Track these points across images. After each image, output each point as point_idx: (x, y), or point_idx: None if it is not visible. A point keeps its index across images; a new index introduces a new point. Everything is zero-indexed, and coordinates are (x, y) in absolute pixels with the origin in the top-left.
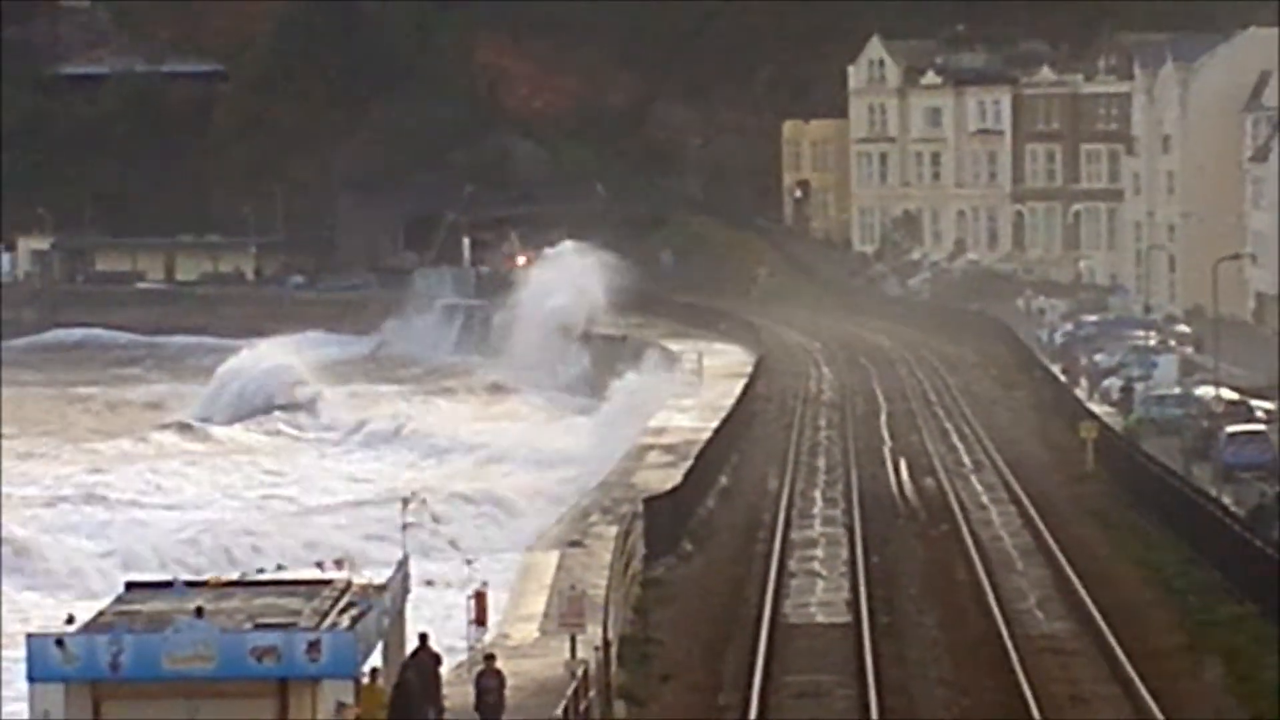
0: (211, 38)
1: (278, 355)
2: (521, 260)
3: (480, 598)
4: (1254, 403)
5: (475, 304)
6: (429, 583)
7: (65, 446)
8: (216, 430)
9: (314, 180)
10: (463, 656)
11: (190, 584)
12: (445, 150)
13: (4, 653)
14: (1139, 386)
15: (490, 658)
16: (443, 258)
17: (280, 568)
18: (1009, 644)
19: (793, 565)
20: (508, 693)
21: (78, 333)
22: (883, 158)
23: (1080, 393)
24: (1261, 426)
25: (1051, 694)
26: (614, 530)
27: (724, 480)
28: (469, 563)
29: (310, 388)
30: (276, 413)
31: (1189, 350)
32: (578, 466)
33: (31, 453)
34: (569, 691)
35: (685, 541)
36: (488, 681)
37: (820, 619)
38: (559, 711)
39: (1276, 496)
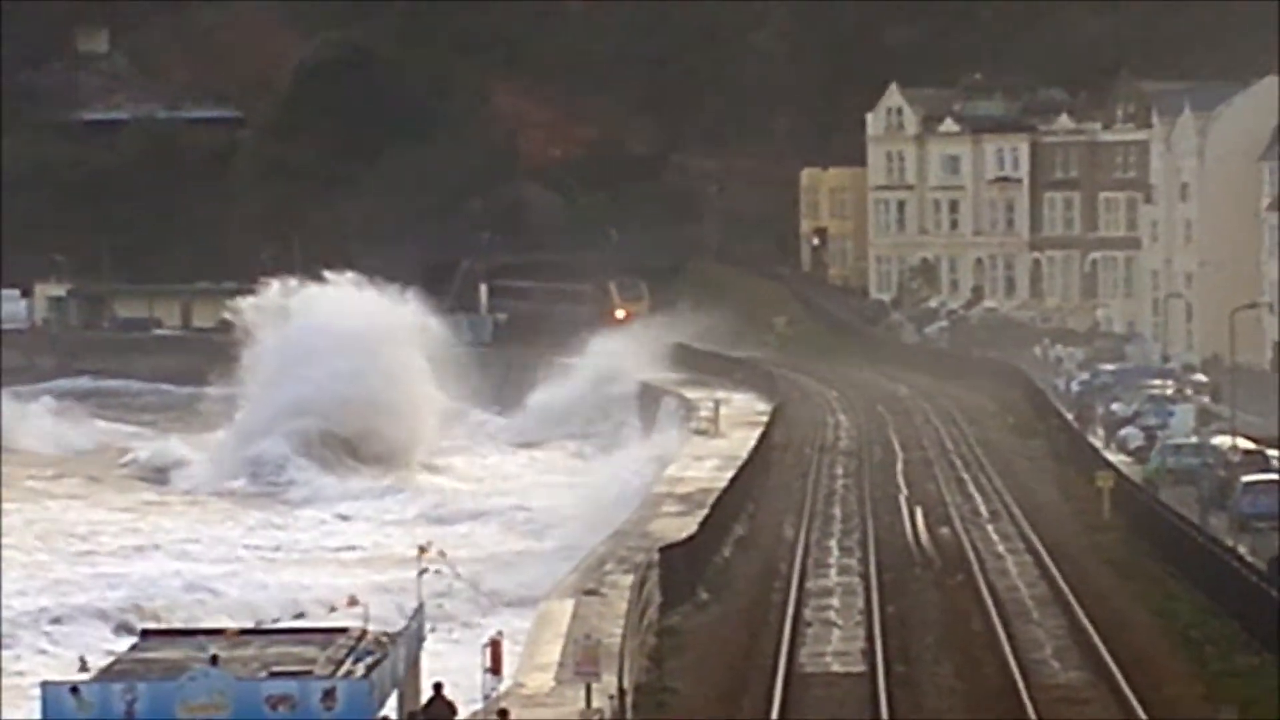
0: (230, 84)
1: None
2: (621, 314)
3: (495, 646)
4: (1270, 452)
5: (492, 352)
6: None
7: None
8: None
9: (331, 227)
10: (478, 706)
11: (206, 632)
12: (462, 198)
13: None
14: (1159, 435)
15: (504, 713)
16: (460, 305)
17: (299, 615)
18: (1024, 694)
19: (808, 614)
20: None
21: (85, 381)
22: (900, 205)
23: (1096, 441)
24: (1278, 476)
25: None
26: (630, 579)
27: (740, 529)
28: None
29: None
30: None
31: (1206, 399)
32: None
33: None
34: None
35: (701, 590)
36: None
37: (836, 668)
38: None
39: None
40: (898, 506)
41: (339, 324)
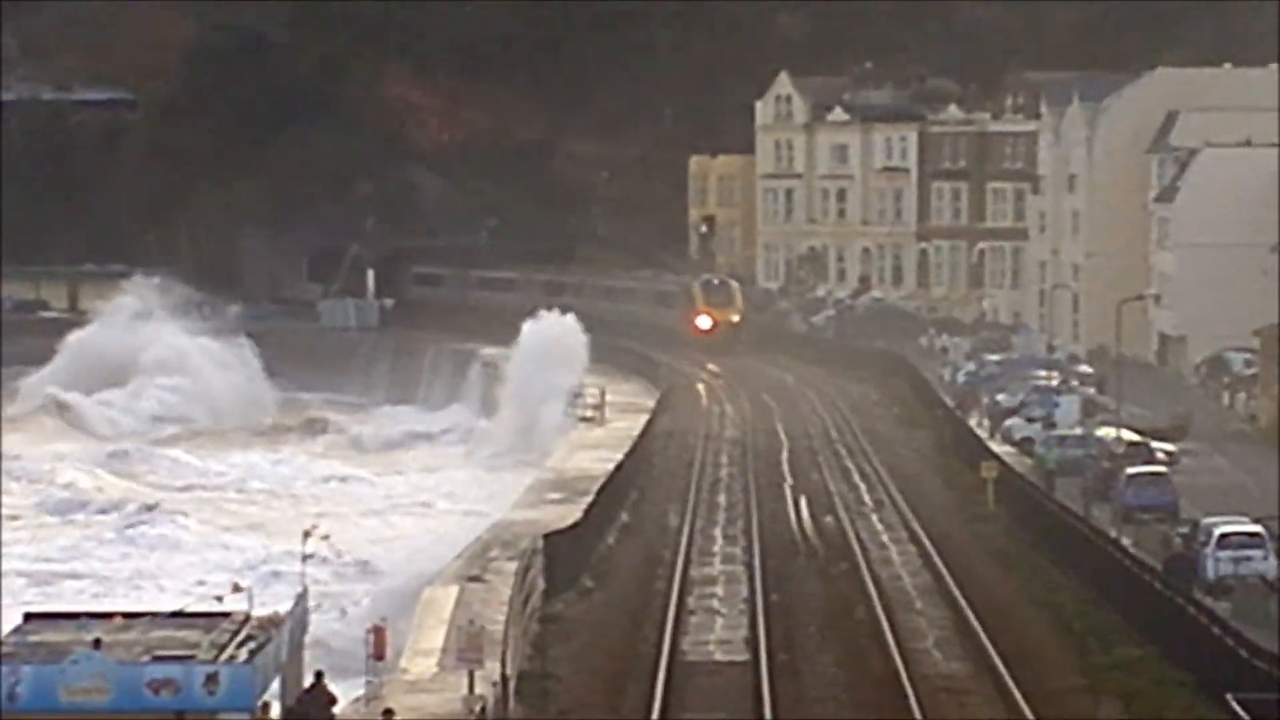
0: (120, 66)
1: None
2: (706, 323)
3: (379, 633)
4: (1155, 444)
5: (377, 336)
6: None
7: None
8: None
9: (219, 210)
10: (360, 691)
11: (91, 615)
12: (352, 182)
13: None
14: (1037, 427)
15: (389, 712)
16: (347, 290)
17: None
18: (907, 684)
19: (692, 602)
20: None
21: None
22: (788, 194)
23: (981, 431)
24: (1162, 468)
25: None
26: (514, 565)
27: (625, 517)
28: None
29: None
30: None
31: (1091, 391)
32: None
33: None
34: None
35: (585, 578)
36: None
37: (719, 656)
38: None
39: (1184, 541)
40: (782, 495)
41: None
